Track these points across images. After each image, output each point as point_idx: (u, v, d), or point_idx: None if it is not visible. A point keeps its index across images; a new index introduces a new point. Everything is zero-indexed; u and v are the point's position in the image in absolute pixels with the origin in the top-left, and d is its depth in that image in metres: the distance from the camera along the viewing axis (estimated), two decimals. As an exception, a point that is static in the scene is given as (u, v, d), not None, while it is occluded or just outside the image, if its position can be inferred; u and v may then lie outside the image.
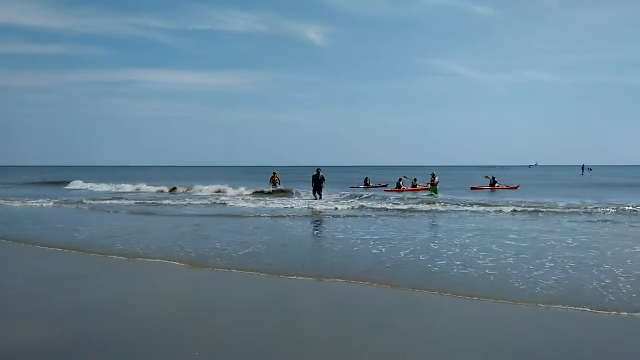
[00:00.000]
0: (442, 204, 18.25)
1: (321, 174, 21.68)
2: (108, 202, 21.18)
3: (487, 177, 34.30)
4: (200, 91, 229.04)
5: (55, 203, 20.19)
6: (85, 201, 20.97)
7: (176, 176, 54.85)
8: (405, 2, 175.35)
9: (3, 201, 20.91)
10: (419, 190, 28.85)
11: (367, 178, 35.56)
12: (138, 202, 21.10)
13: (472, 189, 31.32)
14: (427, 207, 17.35)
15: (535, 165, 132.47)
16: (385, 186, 32.83)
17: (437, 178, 24.64)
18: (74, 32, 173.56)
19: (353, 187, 32.49)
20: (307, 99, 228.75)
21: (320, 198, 21.33)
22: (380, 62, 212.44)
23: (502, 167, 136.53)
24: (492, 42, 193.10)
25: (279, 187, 26.37)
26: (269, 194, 24.97)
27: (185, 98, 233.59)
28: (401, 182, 29.74)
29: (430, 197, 22.23)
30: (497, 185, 31.74)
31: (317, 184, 21.70)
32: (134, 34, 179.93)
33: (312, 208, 17.57)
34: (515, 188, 30.94)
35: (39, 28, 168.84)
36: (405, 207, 17.44)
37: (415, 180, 30.63)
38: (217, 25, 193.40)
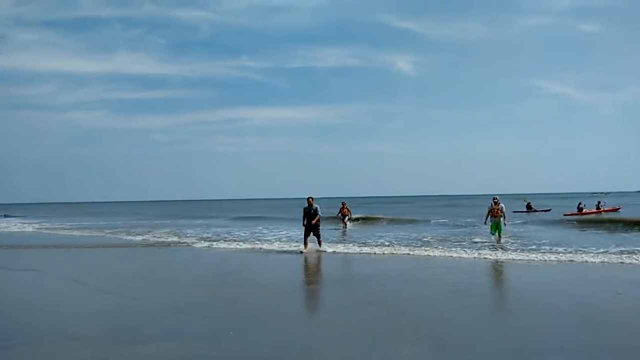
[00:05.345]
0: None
1: (315, 205, 14.89)
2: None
3: None
4: (295, 125, 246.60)
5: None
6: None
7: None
8: (501, 25, 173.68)
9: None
10: (602, 211, 31.71)
11: (529, 202, 38.27)
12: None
13: None
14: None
15: None
16: (549, 210, 33.79)
17: (501, 205, 16.22)
18: (178, 77, 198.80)
19: (515, 212, 33.69)
20: (397, 129, 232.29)
21: (319, 243, 14.86)
22: (474, 87, 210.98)
23: (607, 194, 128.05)
24: (598, 60, 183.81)
25: (349, 223, 25.18)
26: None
27: (281, 133, 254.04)
28: (582, 205, 32.59)
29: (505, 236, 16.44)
30: None
31: (310, 222, 14.75)
32: (233, 75, 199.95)
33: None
34: None
35: (148, 75, 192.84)
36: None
37: (599, 202, 33.65)
38: (310, 62, 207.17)
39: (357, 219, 28.41)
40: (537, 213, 34.57)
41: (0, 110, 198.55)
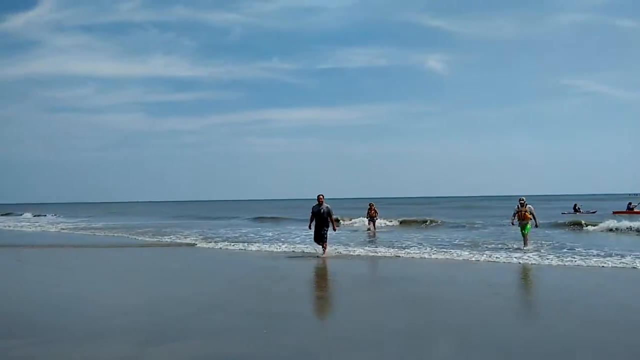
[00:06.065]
0: None
1: (325, 205, 13.49)
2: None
3: None
4: (325, 126, 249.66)
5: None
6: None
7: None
8: (534, 22, 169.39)
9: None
10: None
11: (575, 204, 38.91)
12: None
13: None
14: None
15: None
16: (594, 212, 35.38)
17: (529, 206, 14.91)
18: (210, 79, 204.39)
19: (563, 213, 34.58)
20: (428, 129, 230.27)
21: (324, 245, 13.49)
22: (507, 86, 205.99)
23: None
24: (635, 57, 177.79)
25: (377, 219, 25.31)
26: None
27: (311, 134, 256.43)
28: (633, 206, 33.40)
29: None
30: None
31: (320, 223, 13.50)
32: (263, 76, 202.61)
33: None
34: None
35: (181, 78, 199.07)
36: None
37: None
38: (340, 63, 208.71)
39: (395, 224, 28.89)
40: (582, 214, 34.12)
41: (39, 112, 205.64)
